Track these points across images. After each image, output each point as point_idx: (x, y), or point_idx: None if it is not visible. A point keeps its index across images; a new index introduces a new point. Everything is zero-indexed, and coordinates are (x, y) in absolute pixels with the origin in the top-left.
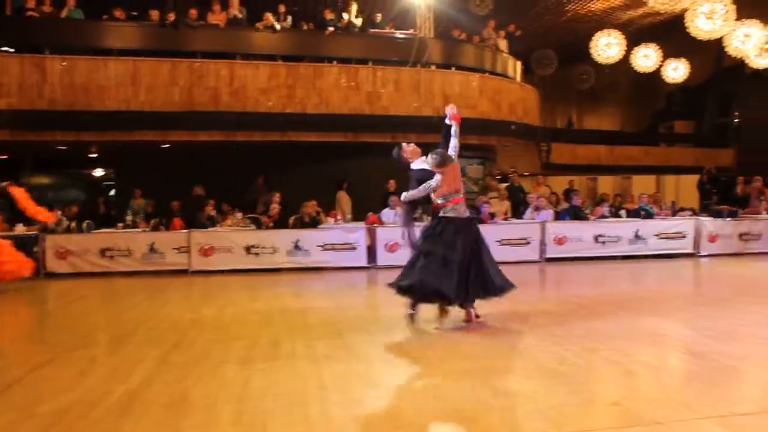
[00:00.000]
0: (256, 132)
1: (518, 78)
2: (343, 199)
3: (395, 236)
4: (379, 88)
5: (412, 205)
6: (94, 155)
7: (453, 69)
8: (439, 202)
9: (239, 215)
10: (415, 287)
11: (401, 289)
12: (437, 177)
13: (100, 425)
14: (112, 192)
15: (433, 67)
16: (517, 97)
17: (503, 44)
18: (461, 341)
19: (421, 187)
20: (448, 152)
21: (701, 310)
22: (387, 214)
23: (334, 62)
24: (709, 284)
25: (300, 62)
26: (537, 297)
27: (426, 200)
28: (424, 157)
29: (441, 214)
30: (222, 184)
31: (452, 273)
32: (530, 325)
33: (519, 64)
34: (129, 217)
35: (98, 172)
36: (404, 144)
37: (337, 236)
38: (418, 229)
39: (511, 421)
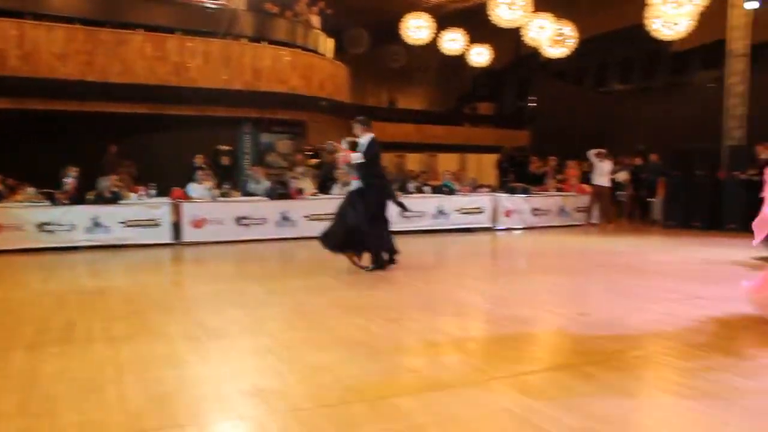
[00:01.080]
0: (52, 101)
1: (330, 55)
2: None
3: (202, 212)
4: (188, 59)
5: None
6: None
7: (265, 43)
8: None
9: (31, 190)
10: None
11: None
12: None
13: None
14: None
15: (244, 40)
16: (328, 74)
17: (316, 20)
18: (263, 318)
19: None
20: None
21: (497, 280)
22: (194, 189)
23: (140, 29)
24: (505, 256)
25: (101, 27)
26: (341, 270)
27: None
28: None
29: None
30: (16, 157)
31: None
32: (333, 298)
33: (331, 41)
34: None
35: None
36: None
37: (140, 212)
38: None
39: (313, 391)
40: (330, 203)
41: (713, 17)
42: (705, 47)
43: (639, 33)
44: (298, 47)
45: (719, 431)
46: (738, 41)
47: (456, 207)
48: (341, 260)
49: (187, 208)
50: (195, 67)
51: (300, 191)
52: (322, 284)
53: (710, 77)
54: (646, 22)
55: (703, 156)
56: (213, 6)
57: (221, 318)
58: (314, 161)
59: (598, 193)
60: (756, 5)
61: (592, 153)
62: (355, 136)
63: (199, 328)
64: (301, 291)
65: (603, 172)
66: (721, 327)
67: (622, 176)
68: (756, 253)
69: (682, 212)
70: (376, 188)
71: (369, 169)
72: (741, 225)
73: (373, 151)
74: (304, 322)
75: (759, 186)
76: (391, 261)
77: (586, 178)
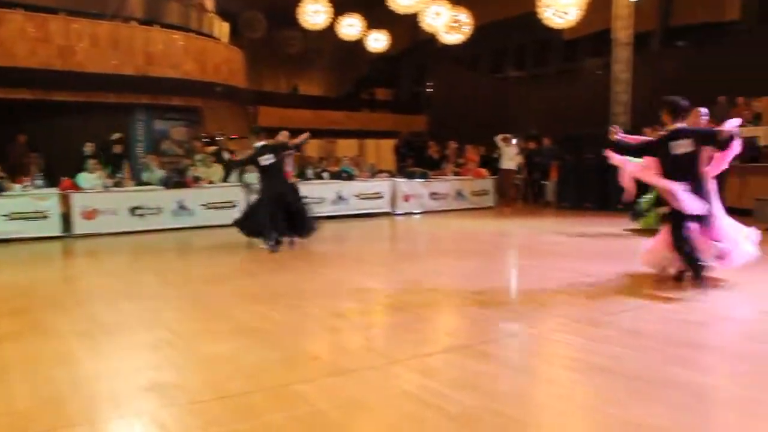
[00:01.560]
0: None
1: (225, 39)
2: None
3: (94, 202)
4: (74, 42)
5: None
6: None
7: (156, 26)
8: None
9: None
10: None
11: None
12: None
13: None
14: None
15: (134, 23)
16: (223, 59)
17: (209, 4)
18: (160, 310)
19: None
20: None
21: (397, 264)
22: (85, 178)
23: (19, 8)
24: (404, 240)
25: None
26: (242, 258)
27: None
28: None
29: None
30: None
31: None
32: (232, 287)
33: (226, 25)
34: None
35: None
36: None
37: (26, 204)
38: None
39: (212, 382)
40: (228, 191)
41: (600, 7)
42: (593, 36)
43: (532, 21)
44: (192, 31)
45: (609, 400)
46: (622, 30)
47: (355, 192)
48: (239, 249)
49: (77, 198)
50: (82, 50)
51: (196, 179)
52: (220, 273)
53: (598, 64)
54: (539, 10)
55: (592, 140)
56: None
57: (115, 312)
58: (212, 148)
59: (505, 176)
60: None
61: (498, 138)
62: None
63: (92, 324)
64: (200, 281)
65: (509, 156)
66: (609, 303)
67: (517, 160)
68: (626, 225)
69: (574, 194)
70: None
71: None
72: (629, 205)
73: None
74: (203, 313)
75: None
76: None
77: (484, 162)
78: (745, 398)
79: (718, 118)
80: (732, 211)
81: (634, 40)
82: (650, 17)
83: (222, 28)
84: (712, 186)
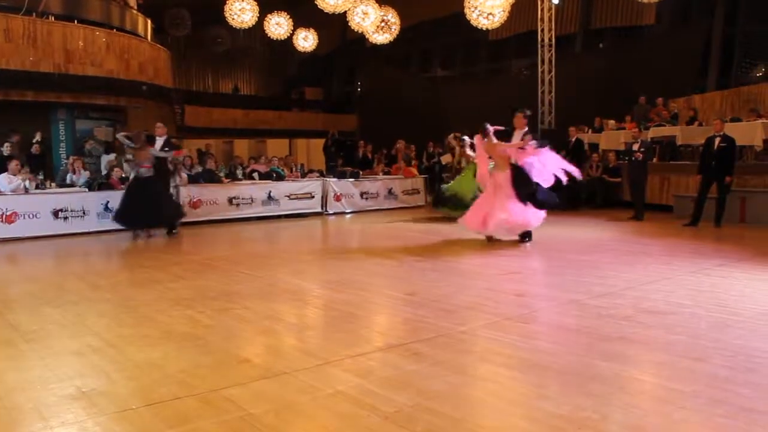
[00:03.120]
0: None
1: (149, 37)
2: None
3: (14, 205)
4: None
5: None
6: None
7: (76, 22)
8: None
9: None
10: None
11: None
12: None
13: None
14: None
15: (52, 18)
16: (148, 57)
17: (132, 0)
18: (86, 315)
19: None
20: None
21: (328, 264)
22: (4, 180)
23: None
24: (336, 240)
25: None
26: (171, 262)
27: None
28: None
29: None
30: None
31: None
32: (161, 290)
33: (150, 22)
34: None
35: None
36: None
37: None
38: None
39: (141, 389)
40: None
41: (525, 9)
42: (519, 37)
43: (459, 21)
44: (115, 28)
45: (540, 396)
46: (545, 32)
47: (286, 193)
48: (168, 251)
49: None
50: None
51: (122, 180)
52: (149, 277)
53: (524, 65)
54: (466, 11)
55: None
56: None
57: (39, 319)
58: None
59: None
60: (556, 1)
61: (450, 137)
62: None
63: (14, 331)
64: (127, 285)
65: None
66: (536, 298)
67: (446, 159)
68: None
69: None
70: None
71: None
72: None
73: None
74: (131, 318)
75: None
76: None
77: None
78: (665, 388)
79: (639, 117)
80: (654, 207)
81: (557, 42)
82: (572, 20)
83: (146, 26)
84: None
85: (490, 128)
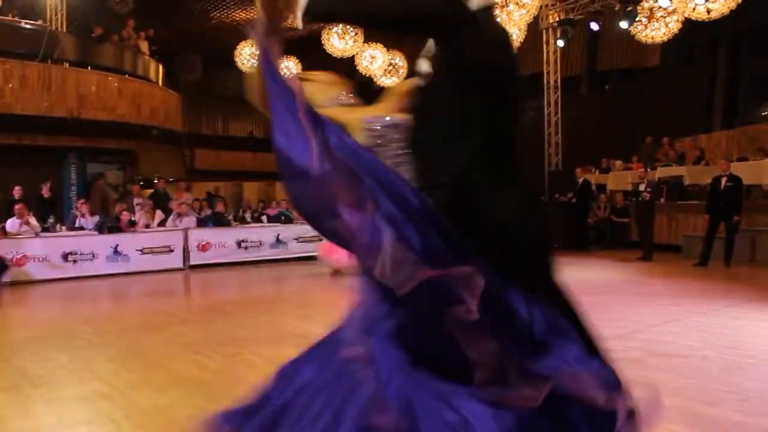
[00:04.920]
0: None
1: (160, 82)
2: None
3: (23, 248)
4: (2, 83)
5: None
6: None
7: (89, 68)
8: None
9: None
10: None
11: None
12: None
13: None
14: None
15: (66, 65)
16: (159, 101)
17: (144, 46)
18: (94, 360)
19: None
20: None
21: (337, 307)
22: (12, 224)
23: None
24: (346, 285)
25: None
26: (180, 306)
27: None
28: None
29: None
30: None
31: None
32: (169, 335)
33: (161, 67)
34: None
35: None
36: None
37: None
38: None
39: None
40: (164, 235)
41: (531, 52)
42: (526, 78)
43: None
44: (127, 73)
45: None
46: (551, 75)
47: (295, 236)
48: (176, 295)
49: (5, 245)
50: (10, 90)
51: (132, 224)
52: (157, 321)
53: (532, 106)
54: None
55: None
56: (30, 26)
57: (46, 364)
58: (149, 191)
59: None
60: (561, 44)
61: None
62: None
63: (21, 377)
64: (136, 329)
65: None
66: None
67: None
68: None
69: None
70: None
71: None
72: (564, 244)
73: None
74: (139, 363)
75: (577, 207)
76: None
77: None
78: None
79: (645, 157)
80: (662, 248)
81: (563, 84)
82: (578, 62)
83: (157, 70)
84: None
85: None
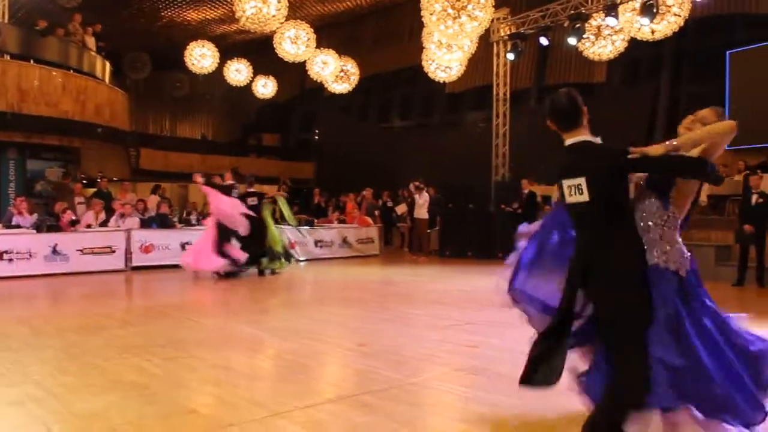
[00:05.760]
0: None
1: (107, 79)
2: None
3: None
4: None
5: None
6: None
7: (32, 62)
8: None
9: None
10: None
11: None
12: None
13: None
14: None
15: (7, 57)
16: (105, 99)
17: (91, 41)
18: (28, 362)
19: None
20: None
21: (280, 313)
22: None
23: None
24: (288, 289)
25: None
26: (120, 308)
27: None
28: None
29: None
30: None
31: None
32: (107, 337)
33: (108, 64)
34: None
35: None
36: None
37: None
38: None
39: None
40: (106, 236)
41: (481, 64)
42: (475, 90)
43: (417, 74)
44: (72, 69)
45: None
46: (501, 87)
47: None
48: (117, 297)
49: None
50: None
51: (73, 223)
52: (95, 323)
53: (480, 117)
54: (424, 64)
55: (474, 190)
56: None
57: None
58: (91, 190)
59: (417, 224)
60: (511, 57)
61: (411, 186)
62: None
63: None
64: (73, 331)
65: (419, 204)
66: (492, 350)
67: (401, 209)
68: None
69: (457, 243)
70: None
71: None
72: (509, 254)
73: None
74: (75, 366)
75: (521, 217)
76: None
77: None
78: None
79: None
80: None
81: (512, 96)
82: (527, 76)
83: (104, 68)
84: None
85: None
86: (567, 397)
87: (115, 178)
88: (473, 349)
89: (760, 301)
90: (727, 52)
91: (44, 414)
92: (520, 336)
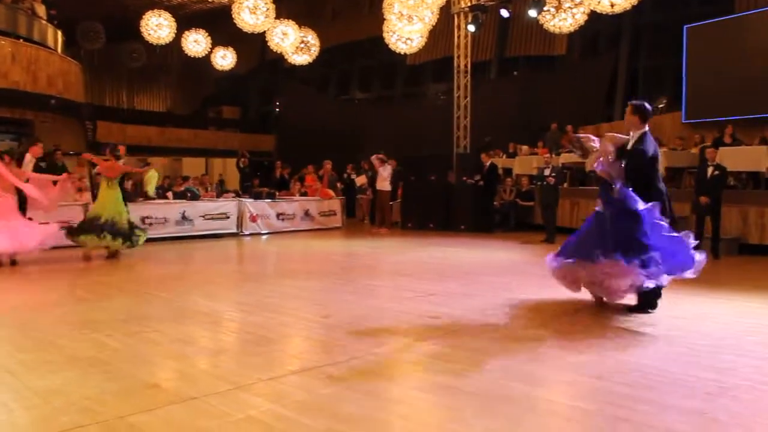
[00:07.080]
0: None
1: (59, 49)
2: None
3: None
4: None
5: None
6: None
7: None
8: None
9: None
10: None
11: None
12: None
13: None
14: None
15: None
16: (58, 70)
17: (41, 9)
18: None
19: None
20: None
21: (243, 286)
22: None
23: None
24: (251, 262)
25: None
26: (75, 284)
27: None
28: None
29: None
30: None
31: None
32: (63, 314)
33: (61, 34)
34: None
35: None
36: None
37: None
38: None
39: (43, 418)
40: (63, 210)
41: (442, 36)
42: (436, 62)
43: (378, 45)
44: (21, 38)
45: (452, 418)
46: (462, 59)
47: (201, 213)
48: (74, 272)
49: None
50: None
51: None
52: (52, 300)
53: (441, 89)
54: (385, 35)
55: (436, 162)
56: None
57: None
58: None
59: (379, 197)
60: (472, 29)
61: (373, 158)
62: None
63: None
64: (28, 308)
65: (383, 177)
66: (450, 320)
67: (360, 180)
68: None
69: (418, 215)
70: None
71: None
72: (470, 226)
73: None
74: (32, 343)
75: (482, 190)
76: None
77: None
78: (572, 408)
79: (550, 143)
80: (565, 230)
81: (473, 68)
82: (488, 48)
83: (56, 37)
84: None
85: None
86: (523, 365)
87: (71, 152)
88: (435, 319)
89: (713, 271)
90: (685, 27)
91: (1, 392)
92: (480, 306)
